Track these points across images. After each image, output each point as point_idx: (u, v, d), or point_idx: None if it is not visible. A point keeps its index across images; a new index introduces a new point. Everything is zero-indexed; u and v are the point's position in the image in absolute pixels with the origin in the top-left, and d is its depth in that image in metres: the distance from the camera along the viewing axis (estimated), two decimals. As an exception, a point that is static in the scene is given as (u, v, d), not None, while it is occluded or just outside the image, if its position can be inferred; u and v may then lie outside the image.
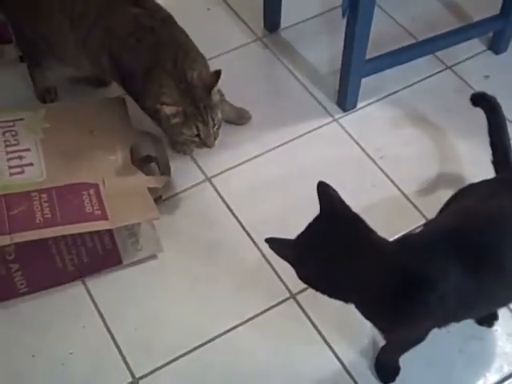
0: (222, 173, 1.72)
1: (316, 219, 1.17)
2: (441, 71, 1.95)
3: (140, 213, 1.54)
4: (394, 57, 1.82)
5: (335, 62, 1.85)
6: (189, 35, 1.60)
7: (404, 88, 1.90)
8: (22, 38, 1.74)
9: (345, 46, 1.72)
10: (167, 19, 1.59)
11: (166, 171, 1.68)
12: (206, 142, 1.56)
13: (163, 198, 1.65)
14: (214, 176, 1.72)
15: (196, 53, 1.58)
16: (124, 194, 1.54)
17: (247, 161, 1.75)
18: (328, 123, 1.83)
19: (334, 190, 1.18)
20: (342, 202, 1.17)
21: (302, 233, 1.16)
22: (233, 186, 1.70)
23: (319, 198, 1.17)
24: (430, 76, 1.93)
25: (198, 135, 1.54)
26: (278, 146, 1.78)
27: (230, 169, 1.73)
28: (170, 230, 1.60)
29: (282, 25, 2.04)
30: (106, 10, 1.56)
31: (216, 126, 1.56)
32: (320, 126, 1.82)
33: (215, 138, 1.57)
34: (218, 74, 1.51)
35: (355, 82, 1.79)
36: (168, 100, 1.48)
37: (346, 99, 1.82)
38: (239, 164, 1.74)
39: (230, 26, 2.05)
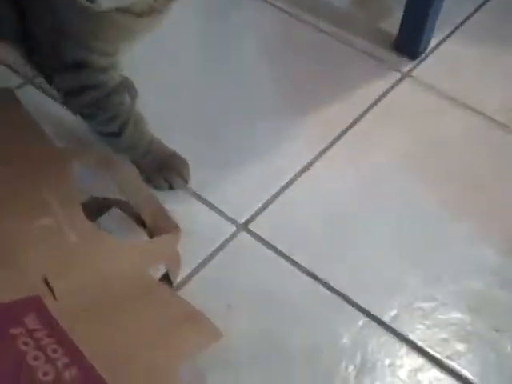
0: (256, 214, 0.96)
1: None
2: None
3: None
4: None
5: None
6: None
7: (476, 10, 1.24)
8: None
9: None
10: None
11: (158, 223, 0.89)
12: None
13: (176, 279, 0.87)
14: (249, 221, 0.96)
15: None
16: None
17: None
18: (397, 82, 1.14)
19: None
20: None
21: None
22: (277, 225, 0.94)
23: None
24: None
25: None
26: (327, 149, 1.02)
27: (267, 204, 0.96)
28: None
29: None
30: None
31: None
32: (385, 92, 1.10)
33: None
34: None
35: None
36: None
37: (418, 38, 1.13)
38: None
39: None
